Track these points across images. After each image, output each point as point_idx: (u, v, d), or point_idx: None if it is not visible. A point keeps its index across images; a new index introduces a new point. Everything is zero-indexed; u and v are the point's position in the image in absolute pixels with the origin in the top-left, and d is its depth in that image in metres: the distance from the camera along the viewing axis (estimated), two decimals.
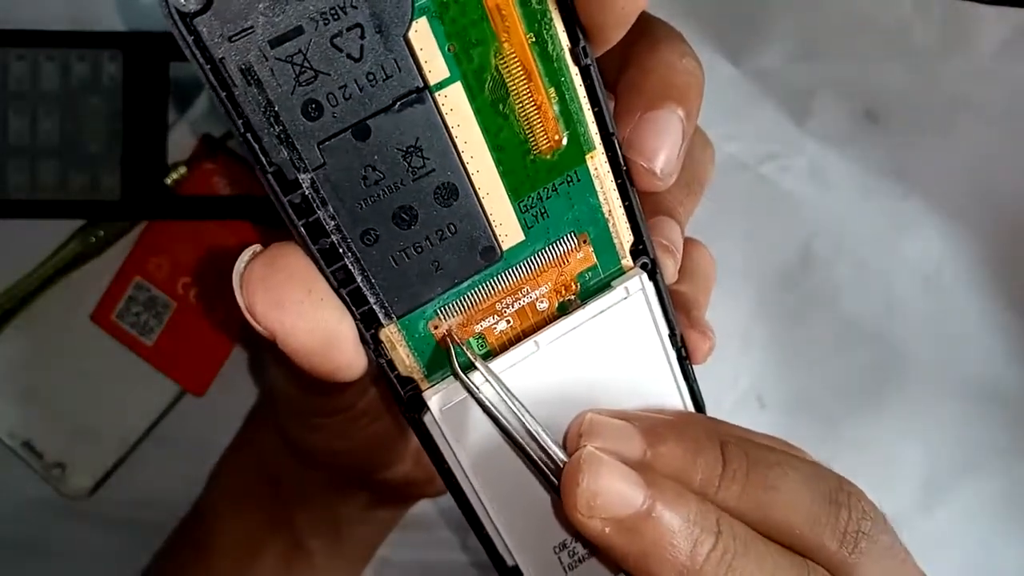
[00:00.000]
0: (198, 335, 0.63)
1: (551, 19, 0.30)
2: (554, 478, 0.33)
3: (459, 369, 0.33)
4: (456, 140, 0.30)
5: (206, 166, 0.61)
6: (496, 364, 0.34)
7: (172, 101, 0.60)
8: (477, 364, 0.33)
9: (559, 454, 0.33)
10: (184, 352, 0.63)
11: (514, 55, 0.30)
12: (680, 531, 0.32)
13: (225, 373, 0.64)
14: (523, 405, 0.33)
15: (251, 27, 0.27)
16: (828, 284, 0.65)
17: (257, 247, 0.32)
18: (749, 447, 0.35)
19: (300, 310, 0.31)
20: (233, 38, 0.27)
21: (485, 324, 0.34)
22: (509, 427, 0.33)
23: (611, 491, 0.32)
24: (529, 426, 0.33)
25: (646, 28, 0.36)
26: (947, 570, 0.61)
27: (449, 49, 0.29)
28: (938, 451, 0.63)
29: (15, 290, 0.61)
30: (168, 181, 0.59)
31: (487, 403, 0.33)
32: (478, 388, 0.33)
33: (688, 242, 0.44)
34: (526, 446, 0.33)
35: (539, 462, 0.34)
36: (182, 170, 0.60)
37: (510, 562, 0.37)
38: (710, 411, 0.38)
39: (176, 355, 0.63)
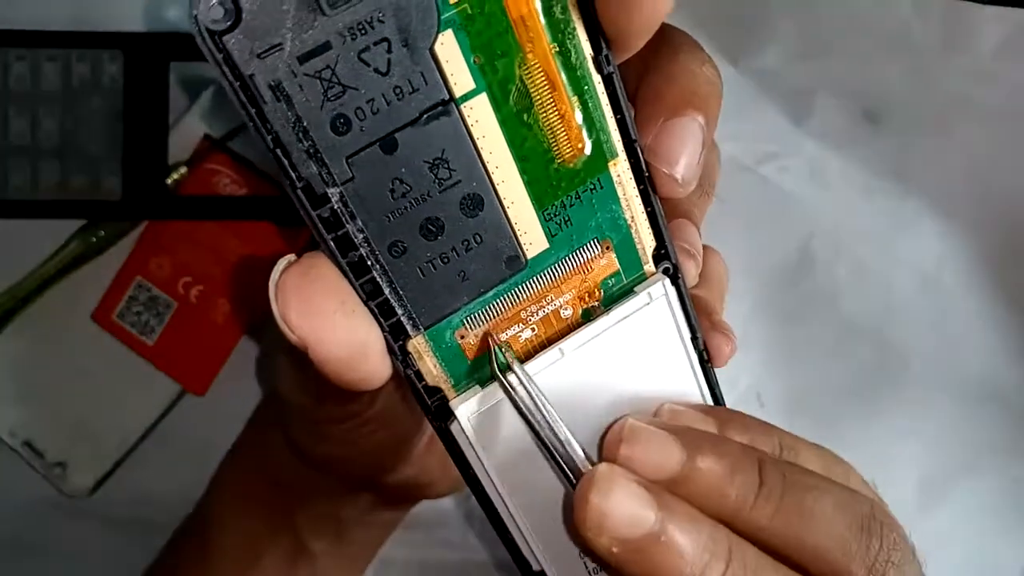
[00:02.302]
0: (199, 335, 0.63)
1: (574, 28, 0.30)
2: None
3: (498, 370, 0.33)
4: (481, 151, 0.30)
5: (207, 166, 0.60)
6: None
7: (173, 101, 0.59)
8: (514, 367, 0.33)
9: (585, 463, 0.33)
10: (185, 352, 0.63)
11: (538, 65, 0.30)
12: (690, 555, 0.31)
13: (226, 373, 0.64)
14: (553, 411, 0.33)
15: (280, 44, 0.27)
16: (828, 284, 0.65)
17: (292, 256, 0.32)
18: (786, 468, 0.34)
19: (333, 321, 0.31)
20: (262, 55, 0.27)
21: (510, 332, 0.34)
22: (541, 430, 0.33)
23: (622, 511, 0.31)
24: (559, 432, 0.33)
25: (666, 36, 0.37)
26: (946, 570, 0.61)
27: (475, 61, 0.29)
28: (937, 451, 0.64)
29: (16, 290, 0.61)
30: (169, 181, 0.59)
31: (522, 405, 0.33)
32: (514, 390, 0.33)
33: (702, 248, 0.44)
34: (554, 450, 0.34)
35: (566, 468, 0.34)
36: (183, 170, 0.60)
37: (536, 567, 0.37)
38: None
39: (177, 355, 0.63)
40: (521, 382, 0.33)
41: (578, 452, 0.33)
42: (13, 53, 0.58)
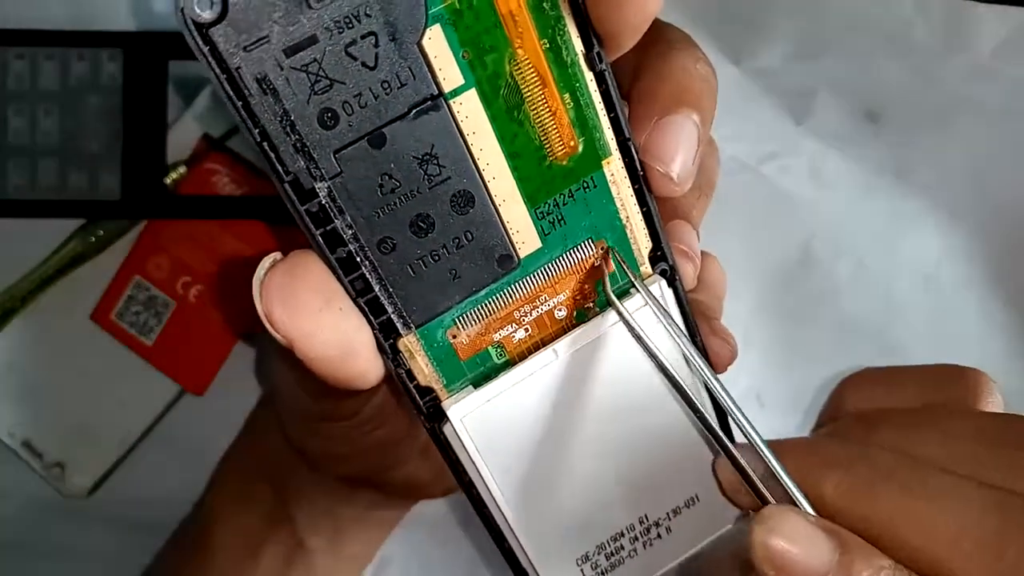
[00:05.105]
0: (198, 335, 0.63)
1: (565, 25, 0.30)
2: (702, 409, 0.34)
3: (613, 297, 0.33)
4: (472, 147, 0.30)
5: (206, 166, 0.60)
6: (514, 373, 0.34)
7: (172, 100, 0.59)
8: (636, 284, 0.34)
9: (715, 383, 0.34)
10: (184, 352, 0.63)
11: (528, 61, 0.30)
12: None
13: (225, 373, 0.64)
14: (681, 329, 0.34)
15: (266, 36, 0.27)
16: (828, 284, 0.65)
17: (277, 255, 0.32)
18: None
19: (319, 319, 0.31)
20: (248, 48, 0.27)
21: (503, 333, 0.34)
22: (661, 357, 0.34)
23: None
24: (687, 352, 0.34)
25: (660, 34, 0.36)
26: None
27: (463, 56, 0.29)
28: None
29: (15, 290, 0.61)
30: (167, 181, 0.59)
31: (640, 331, 0.34)
32: (631, 316, 0.34)
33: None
34: (676, 376, 0.34)
35: (688, 392, 0.34)
36: (182, 170, 0.59)
37: (532, 575, 0.37)
38: None
39: (176, 355, 0.63)
40: (646, 301, 0.34)
41: (708, 375, 0.34)
42: (12, 52, 0.58)
